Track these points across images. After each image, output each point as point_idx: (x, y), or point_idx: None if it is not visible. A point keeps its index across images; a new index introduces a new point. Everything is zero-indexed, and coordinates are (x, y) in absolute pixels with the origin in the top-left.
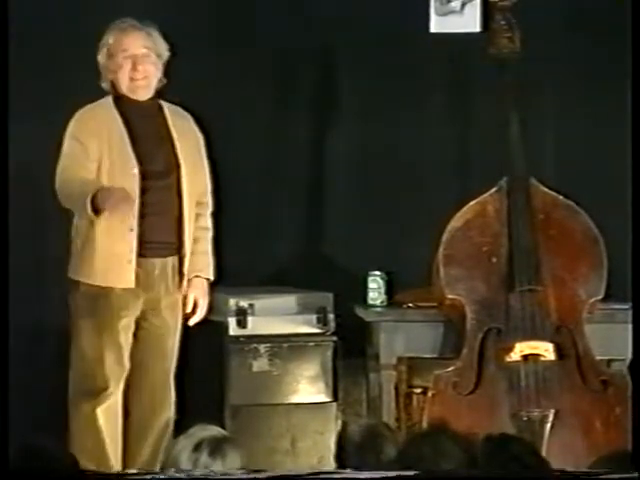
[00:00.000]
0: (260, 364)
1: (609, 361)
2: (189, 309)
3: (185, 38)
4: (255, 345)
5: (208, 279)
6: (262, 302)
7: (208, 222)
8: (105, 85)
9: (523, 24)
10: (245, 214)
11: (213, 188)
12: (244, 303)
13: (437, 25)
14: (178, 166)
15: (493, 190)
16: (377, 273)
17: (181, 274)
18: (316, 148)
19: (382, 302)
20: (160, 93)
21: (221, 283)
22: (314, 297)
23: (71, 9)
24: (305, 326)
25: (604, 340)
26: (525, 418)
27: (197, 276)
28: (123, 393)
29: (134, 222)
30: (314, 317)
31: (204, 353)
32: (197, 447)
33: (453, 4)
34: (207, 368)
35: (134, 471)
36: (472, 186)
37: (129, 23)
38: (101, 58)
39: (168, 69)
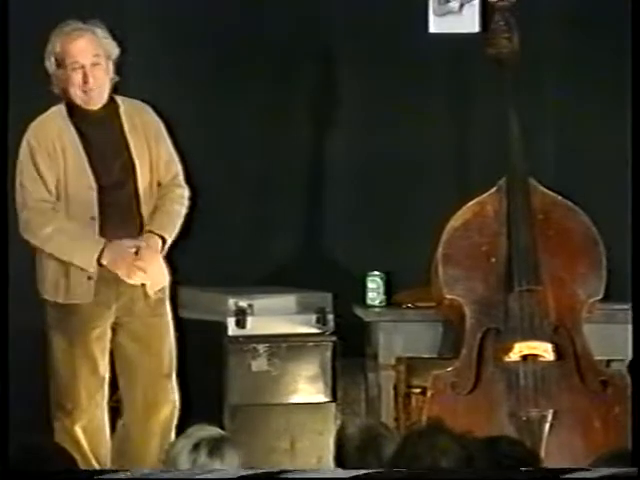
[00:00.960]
0: (259, 364)
1: (608, 361)
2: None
3: (185, 38)
4: (254, 345)
5: (162, 238)
6: (261, 302)
7: (177, 194)
8: (57, 91)
9: (522, 24)
10: (244, 214)
11: (212, 188)
12: (243, 303)
13: (436, 25)
14: (134, 172)
15: (492, 190)
16: (376, 273)
17: None
18: (315, 148)
19: (381, 302)
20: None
21: (220, 283)
22: (313, 297)
23: (71, 9)
24: (304, 326)
25: (603, 340)
26: (524, 418)
27: (150, 231)
28: (117, 399)
29: (95, 238)
30: (313, 317)
31: (203, 353)
32: (196, 447)
33: (452, 4)
34: (206, 368)
35: (142, 470)
36: (471, 186)
37: (73, 27)
38: (50, 66)
39: (121, 66)
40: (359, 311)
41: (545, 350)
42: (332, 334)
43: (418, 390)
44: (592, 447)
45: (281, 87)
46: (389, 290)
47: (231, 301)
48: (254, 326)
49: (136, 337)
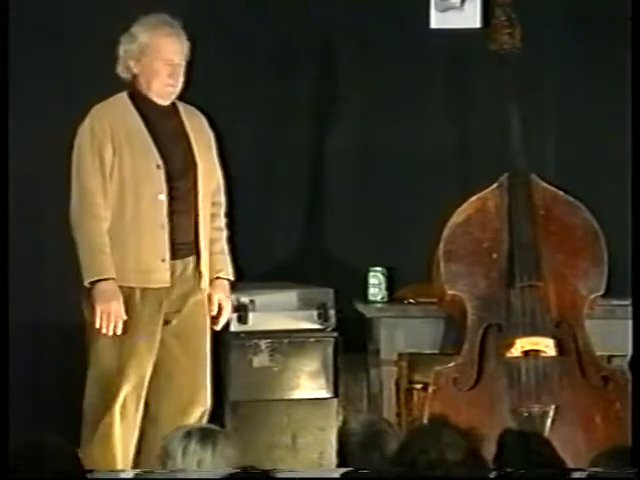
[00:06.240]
0: (261, 360)
1: (609, 357)
2: (214, 312)
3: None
4: (256, 341)
5: (229, 279)
6: (263, 298)
7: (223, 222)
8: (125, 75)
9: (524, 20)
10: (245, 210)
11: None
12: (245, 299)
13: (437, 21)
14: (195, 165)
15: (494, 186)
16: (378, 269)
17: (199, 273)
18: (316, 144)
19: (383, 298)
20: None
21: None
22: (315, 293)
23: (72, 9)
24: (306, 322)
25: (604, 336)
26: (525, 414)
27: (218, 277)
28: (148, 399)
29: (164, 219)
30: (315, 313)
31: None
32: (187, 435)
33: (453, 0)
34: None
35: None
36: (473, 182)
37: (164, 21)
38: (129, 49)
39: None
40: (361, 307)
41: (547, 346)
42: (334, 330)
43: (420, 386)
44: (593, 443)
45: (281, 83)
46: (391, 286)
47: (233, 297)
48: (256, 322)
49: (178, 334)
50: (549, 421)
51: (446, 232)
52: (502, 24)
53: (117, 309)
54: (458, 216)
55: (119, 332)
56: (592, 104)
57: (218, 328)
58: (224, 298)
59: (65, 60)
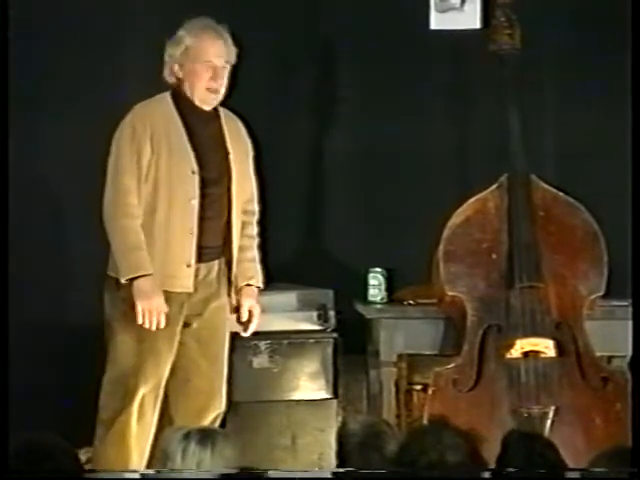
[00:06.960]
0: (260, 361)
1: (609, 358)
2: (244, 318)
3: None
4: (255, 342)
5: (258, 287)
6: (262, 299)
7: (254, 230)
8: (170, 80)
9: (523, 20)
10: None
11: None
12: None
13: (437, 22)
14: (229, 172)
15: (493, 187)
16: (377, 270)
17: (228, 279)
18: (316, 144)
19: (382, 299)
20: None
21: None
22: (314, 294)
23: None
24: (305, 323)
25: (604, 337)
26: (525, 415)
27: (248, 285)
28: (165, 400)
29: (194, 225)
30: (314, 314)
31: None
32: (186, 436)
33: (453, 1)
34: None
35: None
36: (472, 183)
37: (209, 24)
38: (173, 53)
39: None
40: (360, 308)
41: (546, 347)
42: (333, 331)
43: (419, 387)
44: (593, 444)
45: (281, 83)
46: (390, 287)
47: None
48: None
49: (198, 337)
50: (549, 422)
51: (446, 233)
52: (502, 25)
53: (159, 304)
54: (458, 217)
55: (162, 326)
56: (592, 104)
57: (247, 334)
58: (254, 305)
59: (65, 60)
